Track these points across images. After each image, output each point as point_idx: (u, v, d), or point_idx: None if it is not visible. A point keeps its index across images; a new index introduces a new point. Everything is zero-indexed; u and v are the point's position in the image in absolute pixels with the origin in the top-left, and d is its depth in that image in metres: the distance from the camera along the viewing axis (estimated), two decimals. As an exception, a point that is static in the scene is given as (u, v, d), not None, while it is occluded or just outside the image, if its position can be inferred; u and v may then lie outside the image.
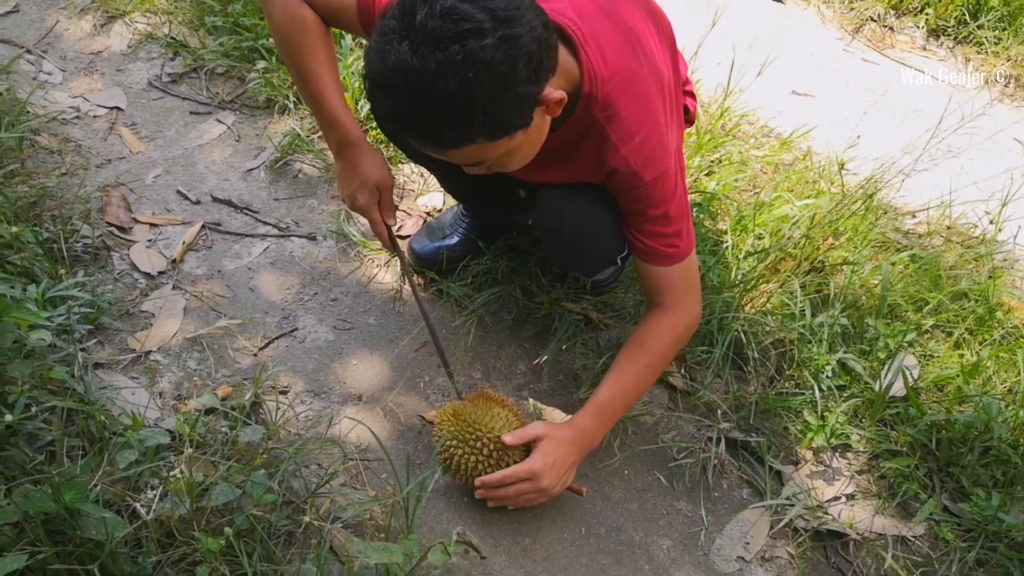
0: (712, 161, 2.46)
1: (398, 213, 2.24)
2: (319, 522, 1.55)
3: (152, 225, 2.16)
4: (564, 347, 2.01)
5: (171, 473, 1.47)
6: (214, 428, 1.67)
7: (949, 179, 2.52)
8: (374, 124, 2.32)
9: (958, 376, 1.92)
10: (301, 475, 1.68)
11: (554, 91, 1.32)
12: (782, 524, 1.75)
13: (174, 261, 2.08)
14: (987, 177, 2.62)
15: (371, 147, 1.68)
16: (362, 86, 1.89)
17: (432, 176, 2.27)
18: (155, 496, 1.40)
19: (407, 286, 2.09)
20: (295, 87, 2.45)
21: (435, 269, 2.08)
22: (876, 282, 2.09)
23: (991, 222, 2.40)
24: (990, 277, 2.18)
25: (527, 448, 1.62)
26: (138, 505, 1.36)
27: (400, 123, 1.28)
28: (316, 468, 1.73)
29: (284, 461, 1.61)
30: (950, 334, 2.06)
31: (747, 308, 2.02)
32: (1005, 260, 2.27)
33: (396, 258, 2.08)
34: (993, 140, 2.76)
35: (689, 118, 1.89)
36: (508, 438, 1.58)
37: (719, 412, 1.89)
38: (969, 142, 2.63)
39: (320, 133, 2.40)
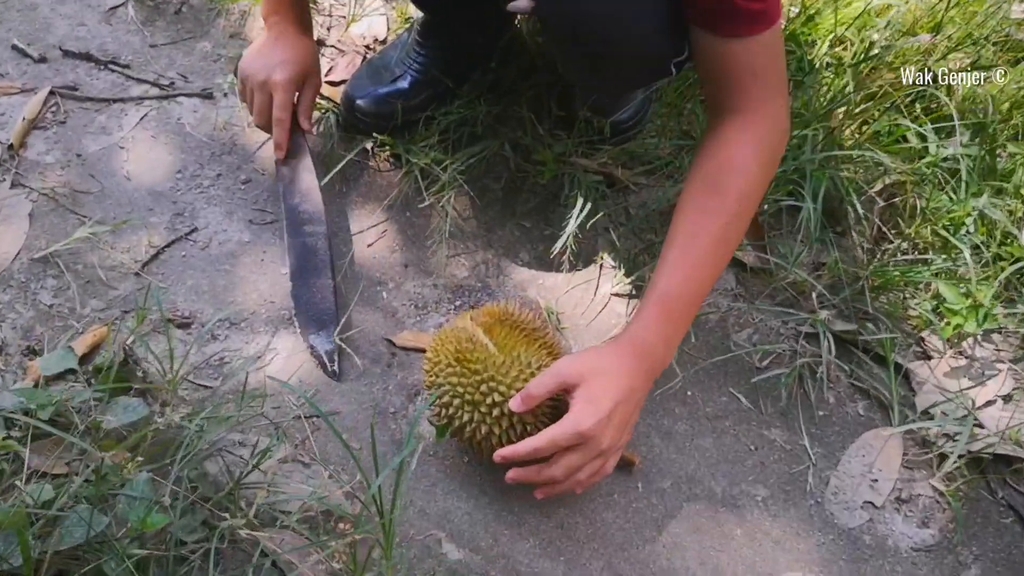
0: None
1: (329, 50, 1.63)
2: (248, 532, 1.01)
3: (-27, 96, 1.58)
4: (581, 222, 1.44)
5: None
6: (71, 403, 1.10)
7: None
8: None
9: None
10: (219, 455, 1.12)
11: None
12: (921, 450, 1.25)
13: (11, 147, 1.53)
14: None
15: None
16: None
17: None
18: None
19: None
20: None
21: (387, 128, 1.51)
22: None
23: None
24: None
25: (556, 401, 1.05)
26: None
27: None
28: (240, 437, 1.18)
29: (188, 438, 1.05)
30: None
31: (845, 142, 1.44)
32: None
33: None
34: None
35: None
36: (515, 403, 1.02)
37: (813, 296, 1.35)
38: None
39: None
